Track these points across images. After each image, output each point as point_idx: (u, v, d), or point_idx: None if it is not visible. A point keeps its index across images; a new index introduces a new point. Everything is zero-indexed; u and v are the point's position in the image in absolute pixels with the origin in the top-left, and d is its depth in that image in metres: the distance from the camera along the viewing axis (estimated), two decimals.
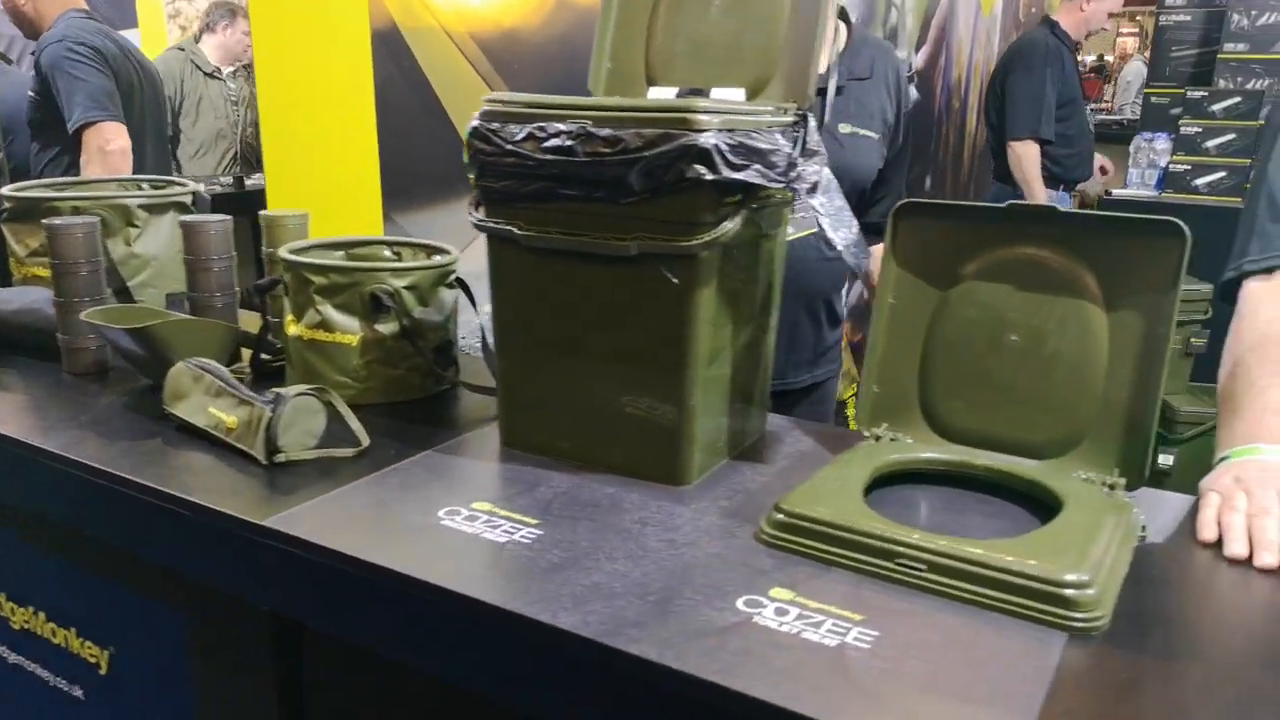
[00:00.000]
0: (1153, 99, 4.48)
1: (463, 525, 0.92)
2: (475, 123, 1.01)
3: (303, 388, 1.08)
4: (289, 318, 1.28)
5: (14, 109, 2.81)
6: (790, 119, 1.05)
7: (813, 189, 1.00)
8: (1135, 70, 8.21)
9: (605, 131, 0.93)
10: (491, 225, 1.03)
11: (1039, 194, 3.65)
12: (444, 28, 2.34)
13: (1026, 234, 1.03)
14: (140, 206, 1.52)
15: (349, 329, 1.23)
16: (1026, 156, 3.63)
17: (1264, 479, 0.93)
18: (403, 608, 0.85)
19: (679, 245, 0.93)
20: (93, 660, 1.22)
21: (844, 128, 1.68)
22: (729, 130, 0.92)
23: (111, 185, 1.71)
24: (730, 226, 0.94)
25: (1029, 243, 1.03)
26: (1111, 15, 3.98)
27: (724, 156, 0.90)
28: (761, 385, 1.16)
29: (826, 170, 1.03)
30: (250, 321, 1.44)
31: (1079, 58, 4.04)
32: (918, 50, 4.17)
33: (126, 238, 1.51)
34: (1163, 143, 3.79)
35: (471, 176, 1.04)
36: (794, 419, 1.24)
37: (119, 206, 1.49)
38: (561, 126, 0.95)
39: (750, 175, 0.93)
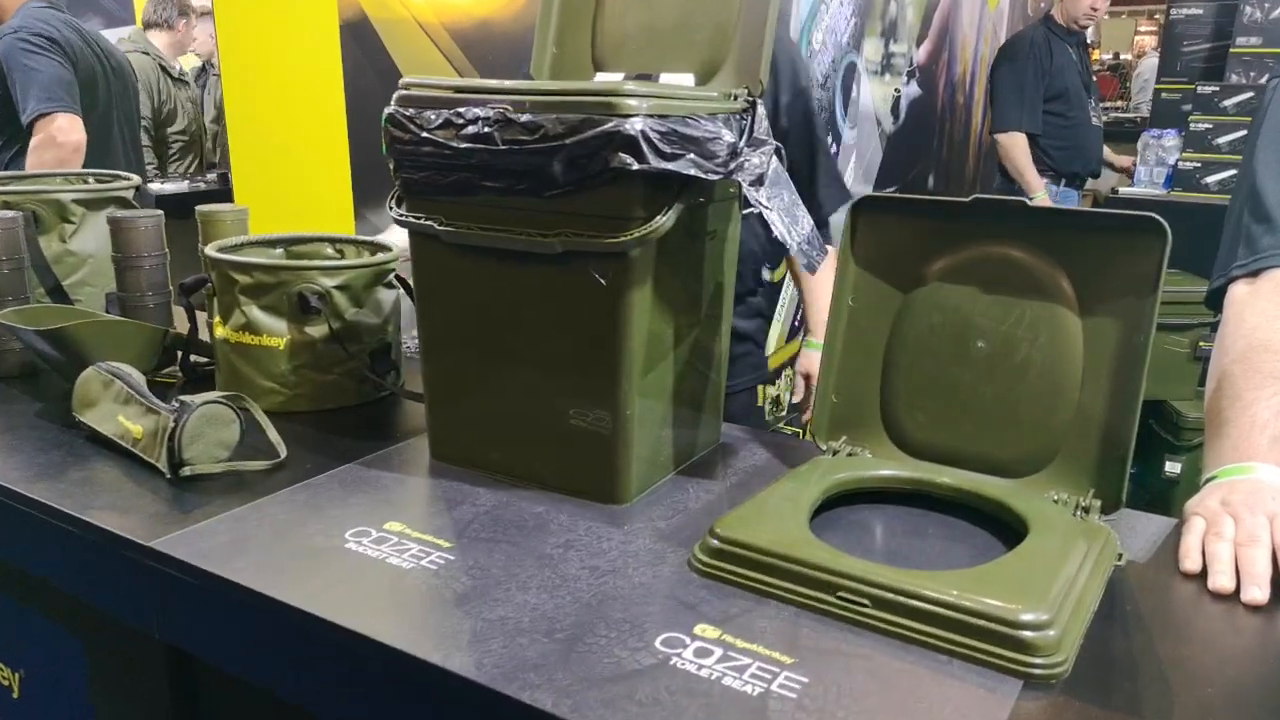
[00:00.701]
0: (1163, 95, 4.36)
1: (368, 549, 0.84)
2: (391, 109, 0.93)
3: (213, 395, 1.01)
4: (216, 319, 1.21)
5: None
6: (740, 105, 0.97)
7: (758, 181, 0.91)
8: (1150, 66, 8.06)
9: (525, 117, 0.84)
10: (411, 220, 0.95)
11: (1032, 183, 3.59)
12: (416, 19, 2.26)
13: (996, 231, 0.94)
14: (76, 201, 1.44)
15: (276, 331, 1.16)
16: (1013, 147, 3.59)
17: (1253, 502, 0.84)
18: (289, 642, 0.77)
19: (607, 243, 0.85)
20: (5, 683, 1.15)
21: None
22: (660, 116, 0.84)
23: (56, 180, 1.65)
24: (663, 222, 0.86)
25: (998, 241, 0.94)
26: (1113, 5, 3.87)
27: (653, 144, 0.82)
28: (713, 393, 1.08)
29: (776, 161, 0.94)
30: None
31: (1097, 55, 3.93)
32: (919, 45, 4.08)
33: (61, 234, 1.43)
34: (1172, 139, 3.67)
35: (391, 167, 0.96)
36: (753, 430, 1.15)
37: (52, 201, 1.42)
38: (479, 112, 0.87)
39: (683, 165, 0.84)
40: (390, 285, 1.23)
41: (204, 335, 1.27)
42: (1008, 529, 0.87)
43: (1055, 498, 0.89)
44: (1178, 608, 0.78)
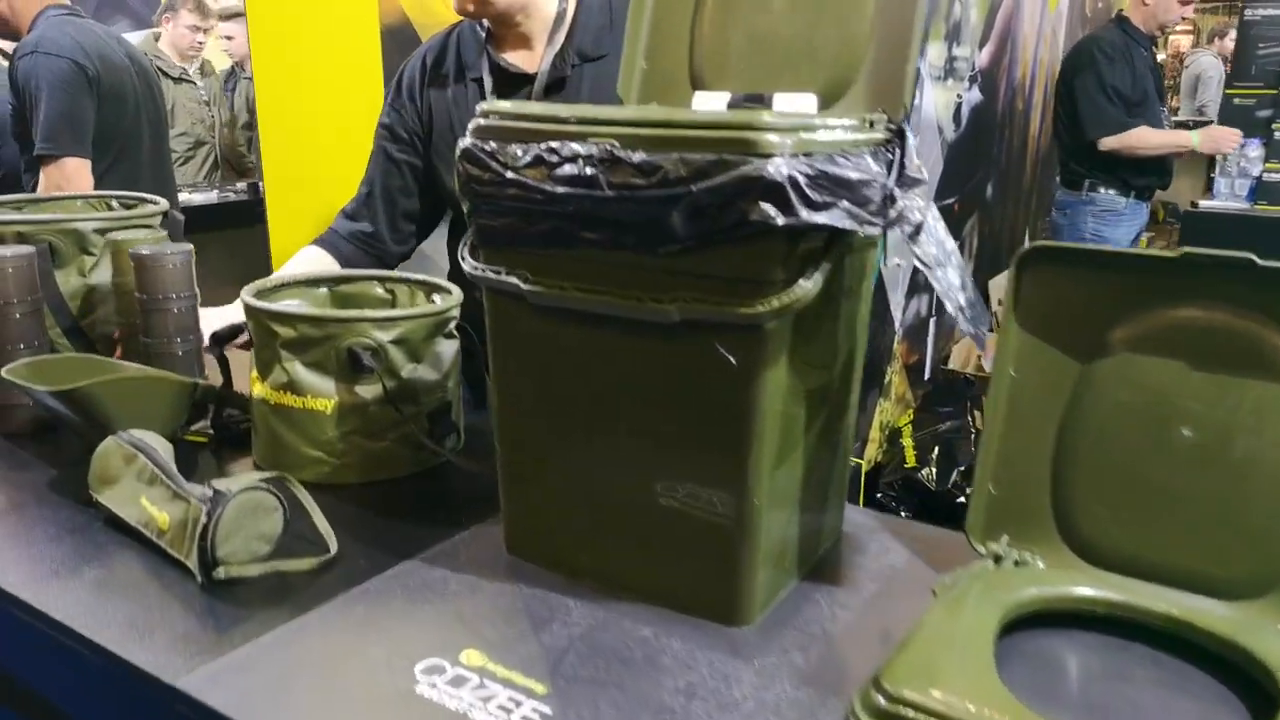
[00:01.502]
0: (1235, 100, 4.13)
1: (445, 694, 0.68)
2: (467, 141, 0.76)
3: (252, 479, 0.85)
4: (253, 374, 1.05)
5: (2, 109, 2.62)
6: (882, 135, 0.80)
7: (916, 231, 0.74)
8: (1206, 65, 7.74)
9: (638, 156, 0.68)
10: (490, 275, 0.78)
11: (1181, 140, 3.40)
12: None
13: (1206, 290, 0.76)
14: (96, 231, 1.29)
15: (322, 392, 1.00)
16: (1138, 141, 3.36)
17: None
18: None
19: (739, 313, 0.68)
20: None
21: None
22: (806, 154, 0.67)
23: (75, 204, 1.51)
24: (809, 286, 0.69)
25: (1210, 301, 0.76)
26: (1187, 4, 3.64)
27: (801, 192, 0.65)
28: (839, 476, 0.91)
29: (933, 205, 0.77)
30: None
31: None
32: (981, 48, 3.87)
33: (80, 267, 1.29)
34: (1255, 149, 3.45)
35: (465, 209, 0.80)
36: (877, 514, 0.98)
37: (70, 232, 1.27)
38: (579, 148, 0.70)
39: (835, 217, 0.67)
40: (451, 335, 1.07)
41: (239, 376, 1.12)
42: (1240, 676, 0.70)
43: None
44: None
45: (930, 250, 0.74)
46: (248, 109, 4.12)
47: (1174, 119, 7.57)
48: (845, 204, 0.68)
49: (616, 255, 0.72)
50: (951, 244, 0.79)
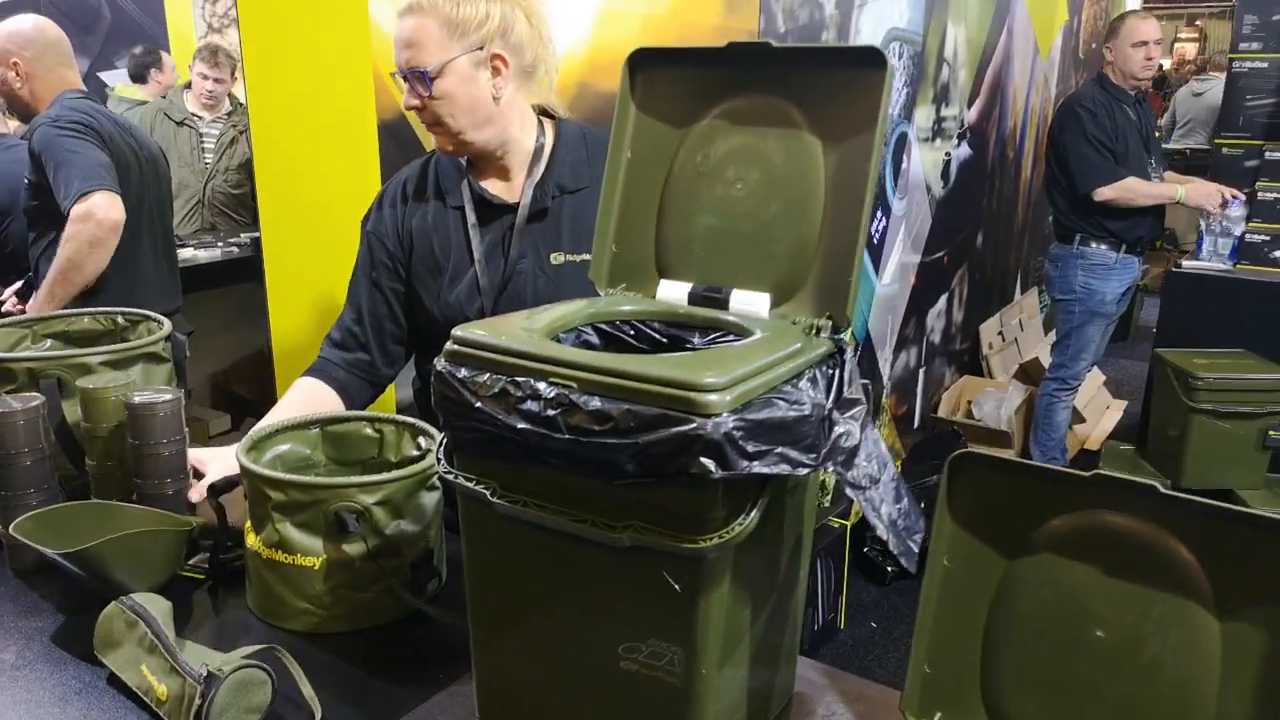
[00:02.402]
0: (1224, 150, 4.19)
1: None
2: (440, 366, 0.84)
3: (243, 656, 0.92)
4: (247, 525, 1.12)
5: (14, 185, 2.70)
6: (824, 349, 0.87)
7: (850, 458, 0.81)
8: (1194, 93, 7.70)
9: (593, 405, 0.75)
10: (463, 483, 0.85)
11: (1169, 193, 3.46)
12: None
13: (1118, 503, 0.83)
14: (103, 364, 1.37)
15: (311, 550, 1.07)
16: (1128, 192, 3.43)
17: None
18: None
19: (683, 546, 0.75)
20: None
21: (556, 258, 1.43)
22: (745, 406, 0.74)
23: (83, 320, 1.58)
24: (748, 523, 0.76)
25: (1124, 514, 0.83)
26: (1149, 60, 3.58)
27: (737, 446, 0.72)
28: (790, 644, 0.98)
29: (869, 421, 0.84)
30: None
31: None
32: (970, 105, 3.95)
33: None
34: (1237, 209, 3.51)
35: (440, 418, 0.87)
36: (827, 669, 1.05)
37: (79, 365, 1.35)
38: (540, 388, 0.78)
39: (771, 463, 0.74)
40: (433, 487, 1.14)
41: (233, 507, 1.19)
42: None
43: None
44: None
45: (863, 474, 0.81)
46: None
47: (1188, 145, 7.54)
48: (781, 449, 0.75)
49: (575, 479, 0.79)
50: (885, 460, 0.86)
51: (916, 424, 3.99)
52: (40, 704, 0.96)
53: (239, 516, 1.17)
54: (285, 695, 0.95)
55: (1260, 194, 3.59)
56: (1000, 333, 4.81)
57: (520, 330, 0.86)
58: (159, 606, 1.01)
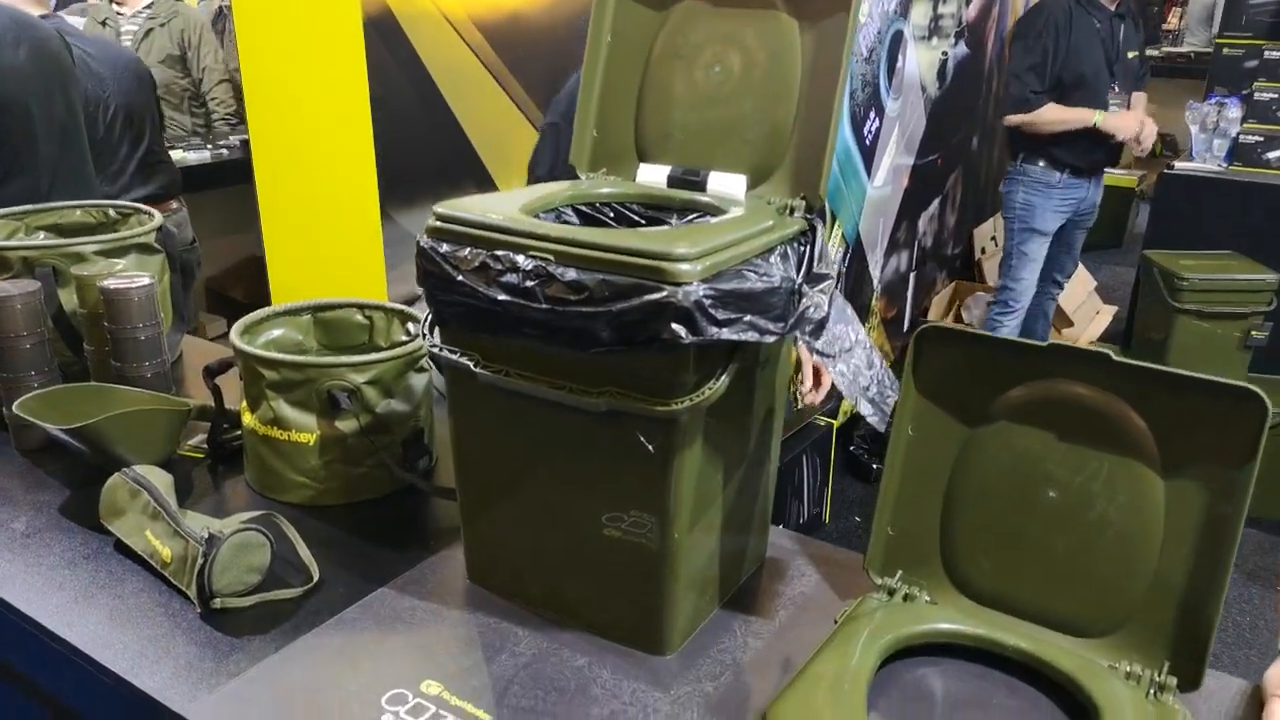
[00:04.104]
0: (1225, 50, 4.13)
1: None
2: (423, 241, 0.86)
3: (242, 519, 0.97)
4: (243, 405, 1.16)
5: None
6: (797, 226, 0.90)
7: (819, 328, 0.84)
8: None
9: (569, 275, 0.78)
10: (447, 355, 0.89)
11: (1083, 117, 3.20)
12: (443, 13, 2.15)
13: (1072, 372, 0.87)
14: (98, 253, 1.39)
15: (305, 427, 1.11)
16: (1041, 121, 3.21)
17: None
18: None
19: (655, 410, 0.79)
20: None
21: None
22: (714, 276, 0.77)
23: (75, 213, 1.59)
24: (718, 387, 0.80)
25: (1077, 382, 0.87)
26: None
27: (707, 313, 0.75)
28: (761, 511, 1.03)
29: (837, 296, 0.87)
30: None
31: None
32: (969, 2, 3.87)
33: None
34: (1234, 109, 3.48)
35: (423, 294, 0.90)
36: (799, 537, 1.11)
37: (73, 255, 1.37)
38: (520, 261, 0.80)
39: (739, 330, 0.78)
40: (422, 369, 1.18)
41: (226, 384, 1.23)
42: (1077, 706, 0.83)
43: (1129, 670, 0.84)
44: None
45: (832, 344, 0.85)
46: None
47: (1193, 48, 7.30)
48: (749, 318, 0.79)
49: (554, 349, 0.82)
50: (858, 333, 0.89)
51: (906, 327, 4.03)
52: (51, 568, 1.02)
53: (235, 400, 1.21)
54: (283, 558, 1.00)
55: (1257, 94, 3.55)
56: (994, 238, 4.81)
57: (500, 207, 0.89)
58: (160, 478, 1.06)
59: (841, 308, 0.84)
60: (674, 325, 0.75)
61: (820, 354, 0.82)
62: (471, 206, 0.87)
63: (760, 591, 1.01)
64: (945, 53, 3.72)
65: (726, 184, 0.98)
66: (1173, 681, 0.82)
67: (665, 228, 0.95)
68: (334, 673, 0.87)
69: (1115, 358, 0.84)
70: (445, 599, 0.98)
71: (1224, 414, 0.79)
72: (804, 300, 0.84)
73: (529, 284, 0.79)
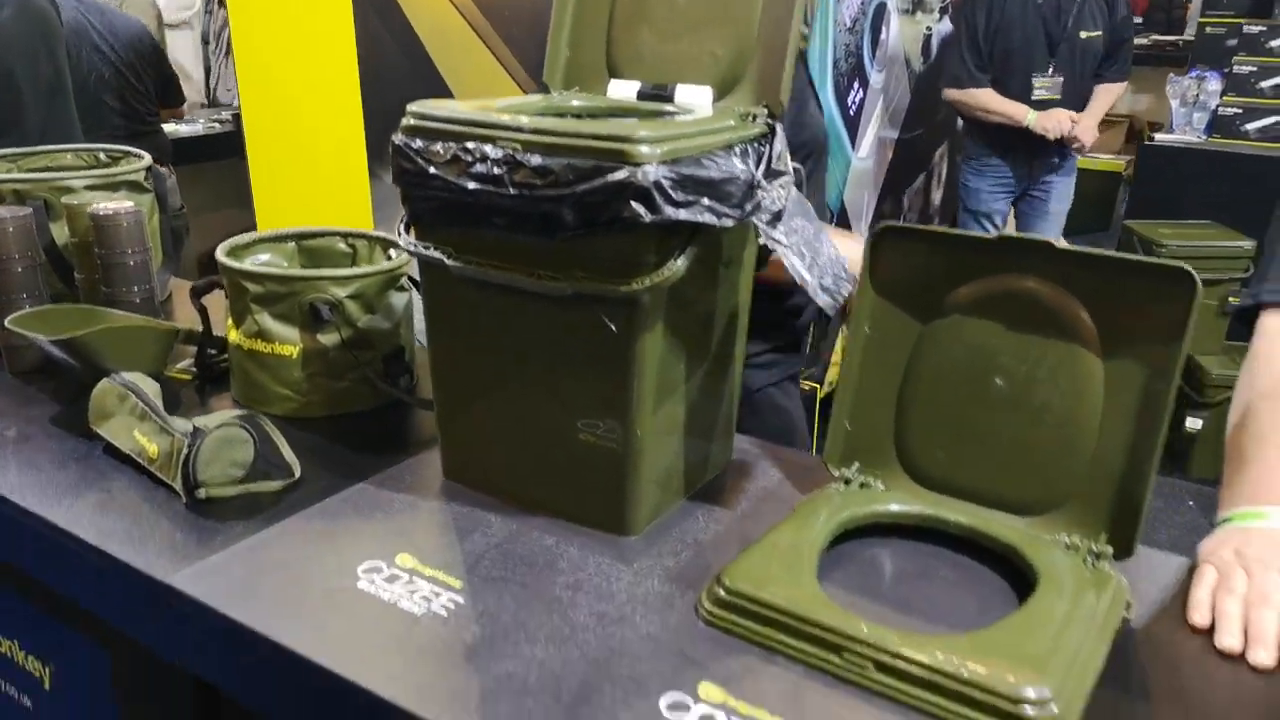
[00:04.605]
0: (1208, 29, 4.19)
1: (381, 589, 0.85)
2: (397, 139, 0.90)
3: (227, 416, 1.01)
4: (229, 322, 1.20)
5: None
6: (758, 130, 0.94)
7: (775, 218, 0.88)
8: None
9: (535, 161, 0.82)
10: (420, 250, 0.93)
11: (1015, 113, 3.14)
12: None
13: (1021, 265, 0.91)
14: (87, 188, 1.43)
15: (288, 339, 1.15)
16: (974, 101, 3.14)
17: (1268, 557, 0.83)
18: (302, 684, 0.79)
19: (619, 290, 0.83)
20: (36, 674, 1.19)
21: None
22: (674, 161, 0.81)
23: (66, 156, 1.63)
24: (677, 267, 0.84)
25: (1024, 275, 0.91)
26: None
27: (666, 194, 0.80)
28: (725, 414, 1.07)
29: (794, 192, 0.92)
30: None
31: None
32: None
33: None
34: (1214, 82, 3.53)
35: (400, 194, 0.94)
36: (766, 444, 1.15)
37: (64, 189, 1.41)
38: (489, 150, 0.85)
39: (696, 212, 0.82)
40: (402, 289, 1.22)
41: (216, 323, 1.27)
42: (1019, 575, 0.87)
43: (1067, 542, 0.88)
44: (1183, 668, 0.78)
45: (789, 237, 0.89)
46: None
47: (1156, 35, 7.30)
48: (706, 201, 0.83)
49: (522, 237, 0.86)
50: (814, 224, 0.94)
51: None
52: (41, 469, 1.06)
53: (222, 328, 1.25)
54: (266, 458, 1.04)
55: (1236, 67, 3.60)
56: None
57: (471, 105, 0.93)
58: (149, 385, 1.10)
59: (800, 202, 0.87)
60: (634, 204, 0.79)
61: (778, 242, 0.86)
62: (444, 104, 0.91)
63: (724, 487, 1.05)
64: (929, 28, 3.77)
65: (693, 95, 1.02)
66: (1109, 550, 0.87)
67: (630, 119, 0.99)
68: (313, 549, 0.91)
69: (1056, 245, 0.88)
70: (421, 492, 1.02)
71: (1157, 293, 0.84)
72: (761, 192, 0.88)
73: (497, 171, 0.84)
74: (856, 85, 3.23)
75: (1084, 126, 3.20)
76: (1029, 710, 0.68)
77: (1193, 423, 3.19)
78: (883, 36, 3.35)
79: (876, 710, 0.72)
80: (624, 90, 1.07)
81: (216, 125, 3.61)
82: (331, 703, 0.77)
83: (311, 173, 2.33)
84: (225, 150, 3.39)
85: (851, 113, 3.26)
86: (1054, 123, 3.18)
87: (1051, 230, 3.50)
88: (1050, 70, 3.19)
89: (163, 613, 0.87)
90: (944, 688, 0.71)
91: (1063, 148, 3.30)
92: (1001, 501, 0.93)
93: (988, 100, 3.19)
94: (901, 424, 0.99)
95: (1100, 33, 3.25)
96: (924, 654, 0.72)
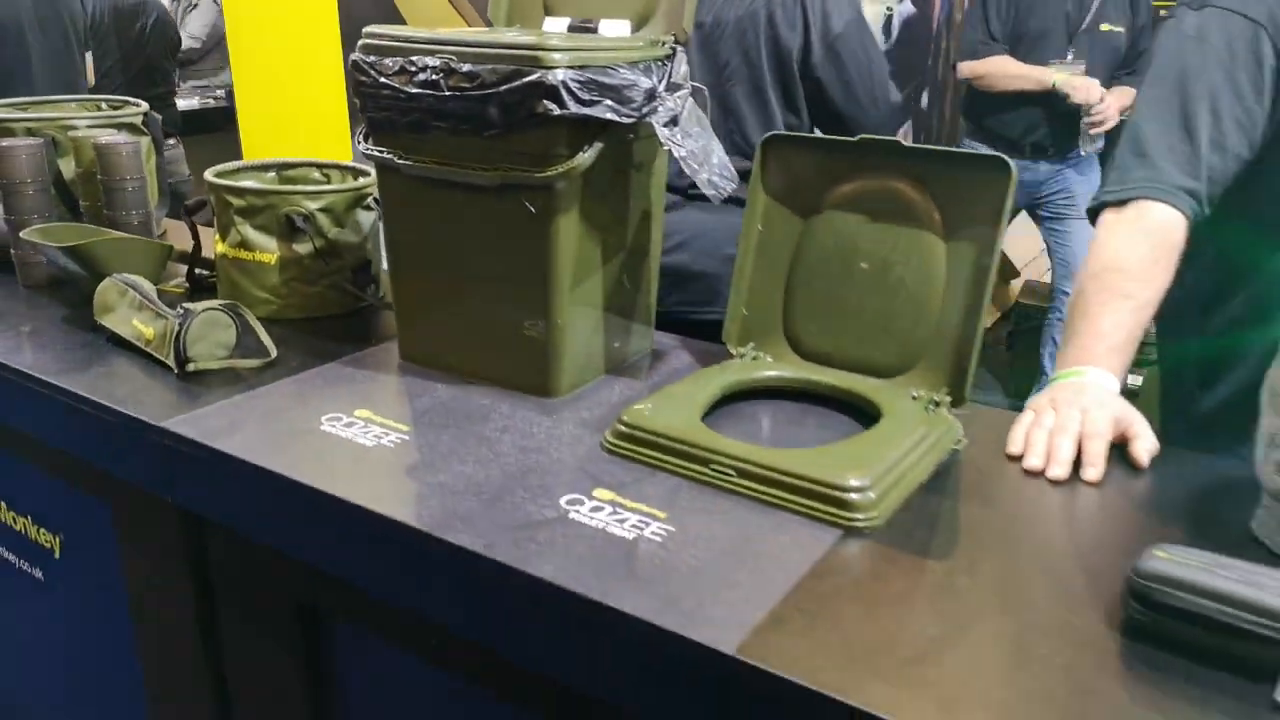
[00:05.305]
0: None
1: (340, 430, 1.02)
2: (355, 55, 1.07)
3: (212, 303, 1.18)
4: (216, 236, 1.37)
5: None
6: (663, 52, 1.11)
7: (671, 122, 1.06)
8: None
9: (466, 67, 0.99)
10: (375, 153, 1.10)
11: (1040, 78, 3.01)
12: None
13: (882, 166, 1.08)
14: (90, 127, 1.59)
15: (267, 248, 1.32)
16: (983, 69, 3.04)
17: (1073, 399, 1.01)
18: (277, 503, 0.96)
19: (536, 177, 1.01)
20: (47, 545, 1.36)
21: None
22: (580, 66, 0.98)
23: (70, 106, 1.80)
24: (585, 158, 1.01)
25: (884, 175, 1.08)
26: None
27: (572, 93, 0.97)
28: (643, 306, 1.24)
29: (692, 103, 1.09)
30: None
31: None
32: None
33: (78, 157, 1.59)
34: None
35: (359, 106, 1.11)
36: (685, 340, 1.32)
37: (69, 128, 1.57)
38: (429, 61, 1.02)
39: (600, 110, 0.99)
40: (369, 207, 1.39)
41: (206, 251, 1.44)
42: (871, 420, 1.05)
43: (915, 395, 1.05)
44: (994, 482, 0.96)
45: (685, 139, 1.06)
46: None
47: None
48: (609, 102, 1.00)
49: (458, 138, 1.03)
50: (706, 133, 1.11)
51: None
52: (54, 351, 1.22)
53: (210, 251, 1.42)
54: (247, 345, 1.21)
55: None
56: None
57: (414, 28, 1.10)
58: (145, 282, 1.27)
59: (694, 110, 1.04)
60: (545, 101, 0.96)
61: (673, 143, 1.03)
62: (395, 27, 1.09)
63: (641, 367, 1.23)
64: (890, 8, 3.94)
65: (614, 28, 1.20)
66: (946, 399, 1.04)
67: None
68: (285, 405, 1.08)
69: (904, 144, 1.05)
70: (381, 370, 1.19)
71: (983, 180, 1.01)
72: (659, 100, 1.05)
73: (435, 78, 1.01)
74: None
75: (1109, 102, 3.05)
76: (852, 496, 0.86)
77: (1133, 380, 3.36)
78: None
79: (734, 504, 0.89)
80: (556, 25, 1.24)
81: (211, 101, 3.78)
82: (300, 511, 0.94)
83: (297, 133, 2.50)
84: (219, 124, 3.55)
85: None
86: (1083, 83, 3.02)
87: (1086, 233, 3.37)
88: (1069, 58, 3.10)
89: (158, 454, 1.04)
90: (788, 484, 0.88)
91: (1061, 139, 3.18)
92: (866, 366, 1.10)
93: (1007, 65, 3.07)
94: (788, 307, 1.16)
95: (1122, 29, 3.16)
96: (775, 460, 0.90)
